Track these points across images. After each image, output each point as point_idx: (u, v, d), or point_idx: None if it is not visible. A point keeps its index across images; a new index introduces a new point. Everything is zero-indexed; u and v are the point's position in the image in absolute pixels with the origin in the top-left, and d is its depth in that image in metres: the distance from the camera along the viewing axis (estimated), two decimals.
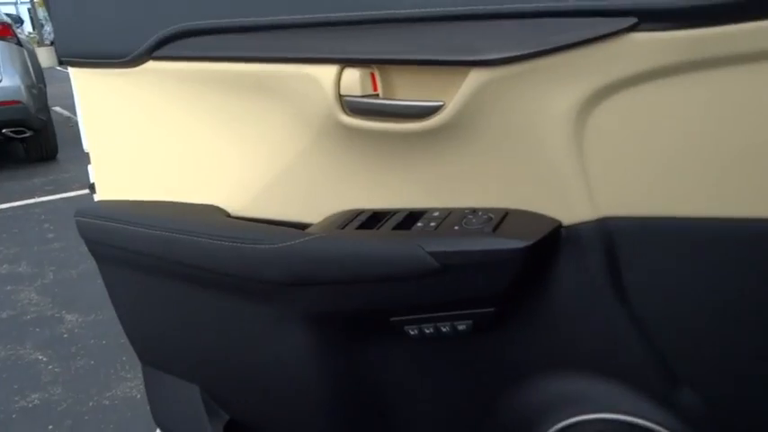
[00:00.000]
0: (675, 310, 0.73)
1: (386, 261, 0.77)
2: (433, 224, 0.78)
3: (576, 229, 0.74)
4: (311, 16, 0.80)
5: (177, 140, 0.95)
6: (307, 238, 0.82)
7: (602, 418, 0.80)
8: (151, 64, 0.92)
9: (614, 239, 0.73)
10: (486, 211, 0.78)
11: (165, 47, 0.90)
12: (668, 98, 0.66)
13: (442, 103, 0.75)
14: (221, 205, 0.97)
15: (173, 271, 0.97)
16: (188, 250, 0.92)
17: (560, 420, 0.82)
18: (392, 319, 0.83)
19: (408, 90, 0.79)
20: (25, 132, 4.99)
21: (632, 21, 0.64)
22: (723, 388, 0.74)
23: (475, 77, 0.72)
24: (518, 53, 0.69)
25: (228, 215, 0.96)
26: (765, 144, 0.64)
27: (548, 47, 0.68)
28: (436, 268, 0.75)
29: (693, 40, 0.63)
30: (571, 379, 0.81)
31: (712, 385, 0.74)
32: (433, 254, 0.74)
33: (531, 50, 0.69)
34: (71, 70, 1.00)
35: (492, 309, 0.78)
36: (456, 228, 0.76)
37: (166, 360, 1.11)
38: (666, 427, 0.77)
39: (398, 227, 0.80)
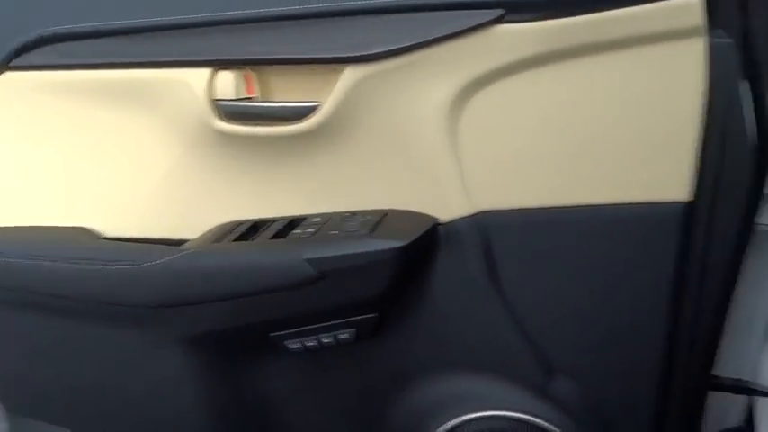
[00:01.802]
0: (546, 299, 0.74)
1: (261, 272, 0.74)
2: (311, 230, 0.75)
3: (453, 225, 0.74)
4: (180, 18, 0.78)
5: (42, 158, 0.88)
6: (176, 255, 0.77)
7: (484, 416, 0.79)
8: (9, 75, 0.85)
9: (490, 233, 0.73)
10: (365, 213, 0.76)
11: (23, 55, 0.84)
12: (536, 89, 0.68)
13: (317, 104, 0.73)
14: (93, 227, 0.90)
15: (36, 303, 0.88)
16: (49, 278, 0.84)
17: (445, 422, 0.81)
18: (272, 334, 0.79)
19: (287, 92, 0.77)
20: None
21: (499, 12, 0.66)
22: (595, 373, 0.75)
23: (349, 75, 0.71)
24: (389, 48, 0.69)
25: (100, 237, 0.90)
26: (631, 130, 0.67)
27: (418, 41, 0.68)
28: (313, 275, 0.72)
29: (558, 30, 0.65)
30: (455, 378, 0.80)
31: (585, 371, 0.75)
32: (309, 261, 0.71)
33: (402, 45, 0.69)
34: None
35: (374, 314, 0.76)
36: (334, 232, 0.74)
37: (34, 404, 1.01)
38: (545, 419, 0.77)
39: (277, 236, 0.77)
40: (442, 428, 0.82)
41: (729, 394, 1.00)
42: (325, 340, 0.79)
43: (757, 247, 0.81)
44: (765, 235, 0.84)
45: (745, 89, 0.67)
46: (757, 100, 0.68)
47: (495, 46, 0.67)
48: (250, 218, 0.83)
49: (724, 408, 1.02)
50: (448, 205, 0.74)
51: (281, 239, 0.75)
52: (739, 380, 0.89)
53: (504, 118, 0.70)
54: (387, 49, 0.69)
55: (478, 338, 0.77)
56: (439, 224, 0.75)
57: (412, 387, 0.82)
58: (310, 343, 0.79)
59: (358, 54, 0.70)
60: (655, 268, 0.71)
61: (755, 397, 0.92)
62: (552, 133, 0.69)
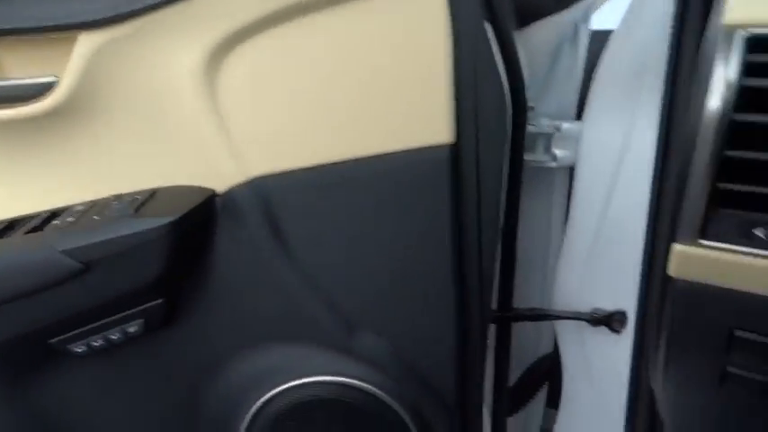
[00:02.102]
0: (336, 258, 0.73)
1: (16, 273, 0.65)
2: (71, 219, 0.68)
3: (229, 195, 0.70)
4: None
5: None
6: None
7: (294, 385, 0.78)
8: None
9: (269, 199, 0.70)
10: (133, 194, 0.71)
11: None
12: (290, 42, 0.66)
13: (55, 79, 0.66)
14: None
15: None
16: None
17: (257, 399, 0.78)
18: (51, 341, 0.72)
19: (17, 68, 0.68)
20: None
21: None
22: (394, 324, 0.76)
23: (84, 43, 0.64)
24: (125, 11, 0.63)
25: None
26: (388, 77, 0.67)
27: (155, 1, 0.63)
28: (77, 268, 0.65)
29: None
30: (260, 354, 0.78)
31: (384, 324, 0.76)
32: (68, 252, 0.65)
33: (138, 7, 0.63)
34: None
35: (160, 300, 0.71)
36: (96, 218, 0.67)
37: None
38: (355, 377, 0.77)
39: (34, 231, 0.69)
40: (255, 407, 0.79)
41: (540, 324, 1.08)
42: (113, 336, 0.72)
43: (528, 183, 0.86)
44: (536, 171, 0.89)
45: (489, 30, 0.69)
46: (502, 42, 0.71)
47: (240, 0, 0.64)
48: (5, 217, 0.74)
49: (536, 338, 1.10)
50: (221, 175, 0.70)
51: (35, 233, 0.67)
52: (534, 308, 0.95)
53: (262, 76, 0.67)
54: (122, 12, 0.63)
55: (275, 308, 0.75)
56: (216, 195, 0.71)
57: (218, 371, 0.79)
58: (97, 343, 0.72)
59: (90, 19, 0.63)
60: (433, 213, 0.72)
61: (557, 322, 0.99)
62: (311, 88, 0.67)
